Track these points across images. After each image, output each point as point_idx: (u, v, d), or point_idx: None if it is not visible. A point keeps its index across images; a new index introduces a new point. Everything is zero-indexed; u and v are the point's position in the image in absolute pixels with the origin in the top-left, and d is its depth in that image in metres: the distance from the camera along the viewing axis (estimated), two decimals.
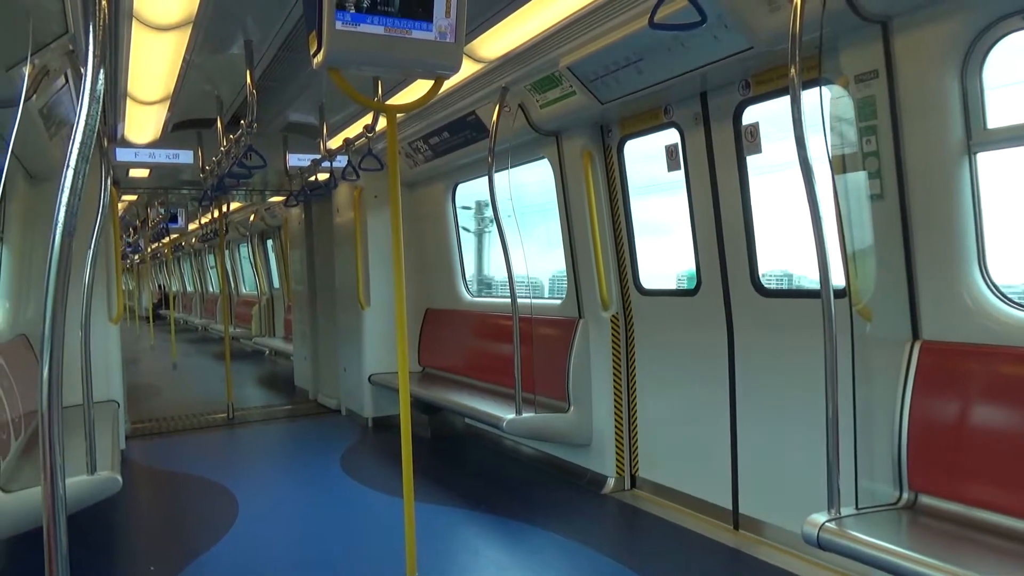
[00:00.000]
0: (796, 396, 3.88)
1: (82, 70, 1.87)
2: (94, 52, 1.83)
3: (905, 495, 3.08)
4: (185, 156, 6.97)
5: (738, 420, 4.33)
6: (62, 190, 1.80)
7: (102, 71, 1.84)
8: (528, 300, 5.27)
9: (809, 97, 2.91)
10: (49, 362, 1.83)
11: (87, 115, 1.83)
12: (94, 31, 1.86)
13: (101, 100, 1.85)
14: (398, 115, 4.29)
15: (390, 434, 7.10)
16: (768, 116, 3.94)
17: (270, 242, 14.01)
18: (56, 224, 1.80)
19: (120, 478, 3.97)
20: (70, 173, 1.80)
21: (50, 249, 1.81)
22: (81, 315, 4.04)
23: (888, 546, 2.62)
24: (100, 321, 6.16)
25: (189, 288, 23.96)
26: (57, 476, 1.86)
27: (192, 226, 15.42)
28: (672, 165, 4.60)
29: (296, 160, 7.36)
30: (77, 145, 1.82)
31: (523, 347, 5.25)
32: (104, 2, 1.88)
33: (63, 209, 1.80)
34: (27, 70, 3.18)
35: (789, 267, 4.77)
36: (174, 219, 13.47)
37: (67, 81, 4.14)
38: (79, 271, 3.91)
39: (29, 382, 4.69)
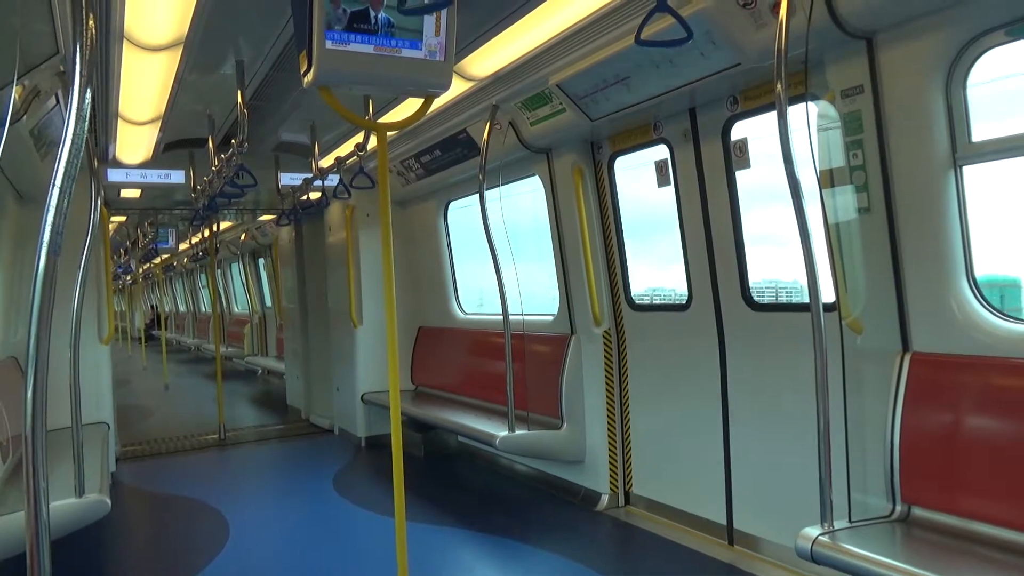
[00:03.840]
0: (789, 410, 3.88)
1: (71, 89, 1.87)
2: (81, 71, 1.84)
3: (898, 507, 3.07)
4: (177, 176, 6.97)
5: (731, 435, 4.33)
6: (48, 209, 1.80)
7: (89, 90, 1.85)
8: (520, 317, 5.27)
9: (797, 112, 2.94)
10: (33, 383, 1.81)
11: (73, 134, 1.83)
12: (81, 50, 1.86)
13: (87, 119, 1.85)
14: (389, 133, 4.32)
15: (383, 453, 7.03)
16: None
17: (261, 261, 13.99)
18: (41, 243, 1.80)
19: (109, 501, 3.93)
20: (56, 192, 1.80)
21: (35, 268, 1.80)
22: (70, 336, 4.01)
23: (882, 559, 2.61)
24: (90, 342, 6.12)
25: (182, 308, 23.87)
26: (41, 500, 1.84)
27: (183, 246, 15.39)
28: (662, 181, 4.63)
29: (288, 179, 7.37)
30: (63, 164, 1.82)
31: (515, 364, 5.24)
32: (92, 21, 1.89)
33: (48, 228, 1.80)
34: (15, 90, 3.18)
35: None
36: (163, 239, 13.41)
37: (58, 102, 4.15)
38: (68, 292, 3.89)
39: (19, 405, 4.64)
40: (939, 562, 2.71)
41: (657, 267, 5.22)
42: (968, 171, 3.01)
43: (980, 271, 3.04)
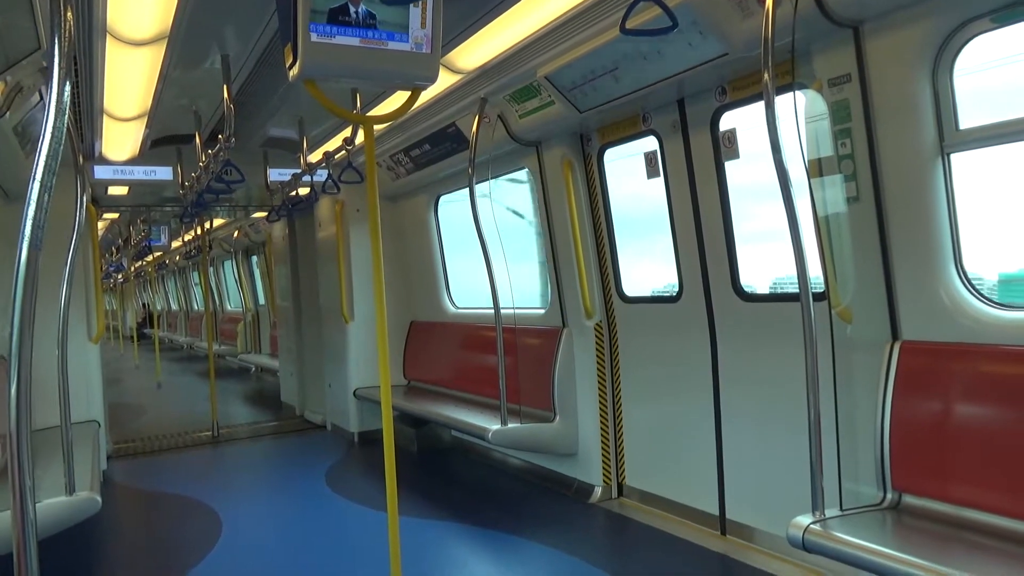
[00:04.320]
0: (780, 399, 3.88)
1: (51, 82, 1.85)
2: (59, 64, 1.82)
3: (889, 495, 3.08)
4: (163, 172, 6.93)
5: (723, 425, 4.33)
6: (28, 204, 1.78)
7: (68, 83, 1.82)
8: (511, 311, 5.26)
9: (785, 102, 2.93)
10: (17, 381, 1.80)
11: (53, 127, 1.80)
12: (59, 42, 1.84)
13: (66, 113, 1.83)
14: (377, 127, 4.29)
15: (376, 448, 7.05)
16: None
17: (255, 258, 13.92)
18: (22, 239, 1.78)
19: (99, 499, 3.91)
20: (36, 186, 1.78)
21: (16, 264, 1.79)
22: (58, 334, 3.99)
23: (873, 546, 2.62)
24: (79, 340, 6.09)
25: (174, 306, 23.77)
26: (27, 499, 1.82)
27: (175, 244, 15.32)
28: (651, 172, 4.62)
29: (277, 175, 7.33)
30: (43, 158, 1.79)
31: (508, 358, 5.24)
32: (70, 13, 1.86)
33: (29, 223, 1.78)
34: None
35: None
36: (156, 237, 13.37)
37: (42, 98, 4.11)
38: (55, 290, 3.86)
39: (7, 403, 4.62)
40: (930, 549, 2.72)
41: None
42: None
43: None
